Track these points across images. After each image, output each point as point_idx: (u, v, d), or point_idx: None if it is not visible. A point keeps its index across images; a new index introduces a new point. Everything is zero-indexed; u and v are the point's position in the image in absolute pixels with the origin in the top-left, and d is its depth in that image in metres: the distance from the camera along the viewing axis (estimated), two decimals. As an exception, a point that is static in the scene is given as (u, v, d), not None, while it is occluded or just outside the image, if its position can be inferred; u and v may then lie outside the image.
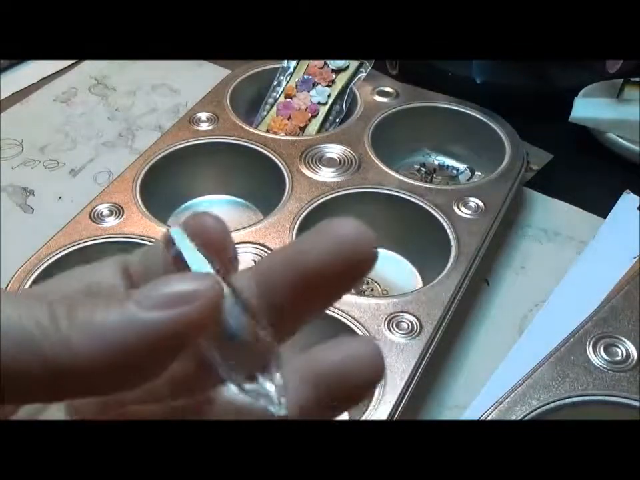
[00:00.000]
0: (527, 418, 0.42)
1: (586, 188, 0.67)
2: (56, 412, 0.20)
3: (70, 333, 0.16)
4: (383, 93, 0.69)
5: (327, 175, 0.60)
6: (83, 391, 0.17)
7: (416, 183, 0.60)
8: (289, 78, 0.70)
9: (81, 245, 0.53)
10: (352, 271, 0.19)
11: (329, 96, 0.69)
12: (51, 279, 0.21)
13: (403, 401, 0.44)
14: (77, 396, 0.17)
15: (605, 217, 0.63)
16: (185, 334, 0.17)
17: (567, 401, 0.43)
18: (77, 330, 0.16)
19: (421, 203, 0.58)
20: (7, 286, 0.50)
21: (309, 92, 0.69)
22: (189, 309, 0.17)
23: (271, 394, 0.18)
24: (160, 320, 0.17)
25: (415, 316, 0.49)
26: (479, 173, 0.67)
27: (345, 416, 0.48)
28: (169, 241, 0.20)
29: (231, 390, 0.19)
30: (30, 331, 0.16)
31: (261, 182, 0.63)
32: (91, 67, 0.82)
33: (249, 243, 0.54)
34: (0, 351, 0.16)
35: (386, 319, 0.48)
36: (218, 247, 0.20)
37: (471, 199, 0.58)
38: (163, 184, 0.61)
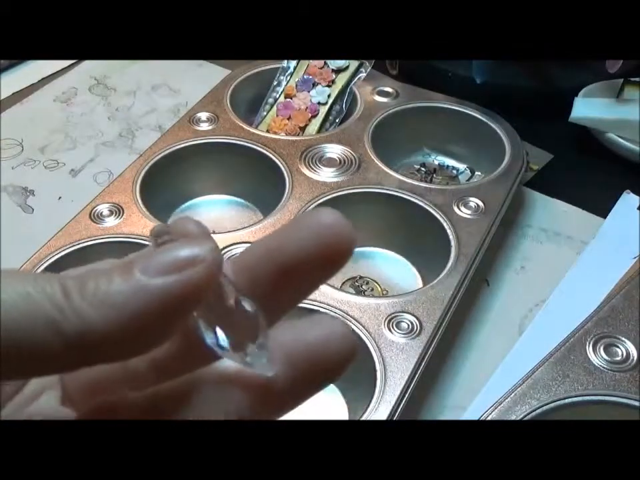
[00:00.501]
0: (527, 418, 0.42)
1: (586, 188, 0.67)
2: (46, 398, 0.20)
3: (82, 305, 0.17)
4: (382, 93, 0.69)
5: (327, 174, 0.60)
6: (94, 360, 0.18)
7: (416, 182, 0.60)
8: (288, 78, 0.70)
9: (80, 245, 0.53)
10: (330, 260, 0.20)
11: (328, 96, 0.69)
12: None
13: (403, 401, 0.44)
14: (88, 365, 0.18)
15: (605, 217, 0.63)
16: (191, 297, 0.18)
17: (566, 400, 0.43)
18: (89, 301, 0.17)
19: (421, 203, 0.58)
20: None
21: (308, 92, 0.69)
22: (193, 272, 0.17)
23: (259, 357, 0.19)
24: (167, 285, 0.17)
25: (415, 316, 0.49)
26: (479, 173, 0.67)
27: (344, 416, 0.48)
28: (159, 234, 0.20)
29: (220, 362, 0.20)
30: (41, 303, 0.17)
31: (261, 182, 0.63)
32: (90, 67, 0.82)
33: (249, 243, 0.54)
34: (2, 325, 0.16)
35: (386, 319, 0.48)
36: None
37: (471, 198, 0.58)
38: (163, 184, 0.61)
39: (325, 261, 0.20)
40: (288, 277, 0.20)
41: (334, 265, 0.20)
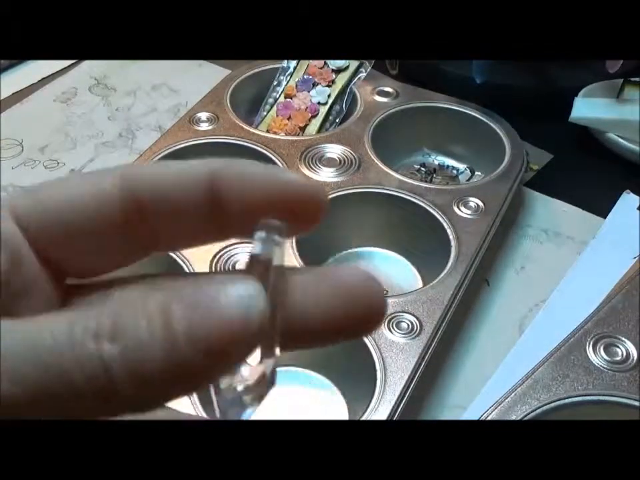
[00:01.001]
0: (527, 418, 0.42)
1: (586, 188, 0.67)
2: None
3: (117, 376, 0.15)
4: (382, 93, 0.69)
5: (326, 174, 0.60)
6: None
7: (416, 182, 0.60)
8: (288, 78, 0.70)
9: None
10: (356, 325, 0.18)
11: (329, 96, 0.69)
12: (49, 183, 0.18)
13: (403, 401, 0.44)
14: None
15: (605, 217, 0.63)
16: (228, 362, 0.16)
17: (566, 401, 0.43)
18: (125, 374, 0.15)
19: (421, 203, 0.58)
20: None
21: (308, 92, 0.69)
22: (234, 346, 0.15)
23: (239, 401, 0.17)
24: (203, 359, 0.15)
25: (414, 316, 0.49)
26: (479, 173, 0.67)
27: (344, 416, 0.48)
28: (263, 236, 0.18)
29: None
30: (70, 375, 0.15)
31: (261, 182, 0.63)
32: (91, 67, 0.82)
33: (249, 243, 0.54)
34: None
35: (386, 318, 0.48)
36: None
37: (471, 198, 0.58)
38: (162, 184, 0.61)
39: (349, 325, 0.18)
40: (307, 337, 0.18)
41: (359, 330, 0.18)
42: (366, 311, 0.18)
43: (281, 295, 0.18)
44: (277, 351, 0.18)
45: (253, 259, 0.18)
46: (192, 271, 0.51)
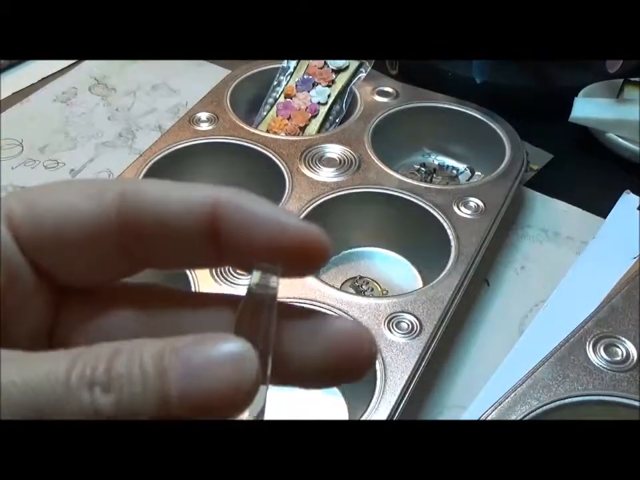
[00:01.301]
0: (527, 418, 0.42)
1: (586, 188, 0.67)
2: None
3: (104, 402, 0.15)
4: (382, 93, 0.69)
5: (326, 174, 0.60)
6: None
7: (416, 182, 0.60)
8: (288, 78, 0.70)
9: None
10: (346, 376, 0.19)
11: (328, 96, 0.69)
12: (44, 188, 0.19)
13: (403, 401, 0.44)
14: None
15: (605, 217, 0.63)
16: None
17: (566, 401, 0.43)
18: (114, 407, 0.16)
19: (421, 203, 0.58)
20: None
21: (308, 92, 0.69)
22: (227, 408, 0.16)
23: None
24: (195, 416, 0.16)
25: (414, 316, 0.49)
26: (479, 173, 0.67)
27: (344, 416, 0.48)
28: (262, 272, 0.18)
29: None
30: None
31: (261, 182, 0.63)
32: (91, 67, 0.82)
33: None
34: None
35: (386, 318, 0.48)
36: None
37: (471, 198, 0.58)
38: (162, 184, 0.61)
39: (335, 375, 0.19)
40: (294, 384, 0.19)
41: (347, 380, 0.19)
42: (356, 364, 0.18)
43: (272, 342, 0.18)
44: (266, 392, 0.18)
45: (247, 302, 0.18)
46: (192, 271, 0.51)
